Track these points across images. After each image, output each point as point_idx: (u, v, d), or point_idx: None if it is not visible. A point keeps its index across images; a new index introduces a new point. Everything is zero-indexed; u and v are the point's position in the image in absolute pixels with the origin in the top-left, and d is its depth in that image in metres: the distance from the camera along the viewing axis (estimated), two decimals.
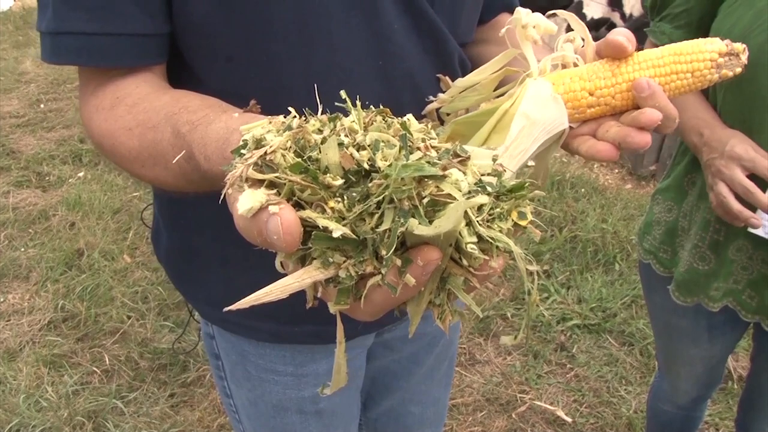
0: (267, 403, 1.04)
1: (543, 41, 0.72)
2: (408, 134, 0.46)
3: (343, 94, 0.52)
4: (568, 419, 2.23)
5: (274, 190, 0.44)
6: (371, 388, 1.21)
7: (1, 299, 2.68)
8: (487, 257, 0.44)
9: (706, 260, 1.29)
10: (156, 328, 2.53)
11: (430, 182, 0.42)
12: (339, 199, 0.43)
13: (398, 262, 0.43)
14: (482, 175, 0.46)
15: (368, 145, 0.45)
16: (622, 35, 0.65)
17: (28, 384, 2.27)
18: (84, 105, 0.76)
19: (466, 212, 0.43)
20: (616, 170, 3.79)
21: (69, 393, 2.24)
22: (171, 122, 0.65)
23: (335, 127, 0.47)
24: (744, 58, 0.64)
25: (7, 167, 3.64)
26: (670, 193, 1.36)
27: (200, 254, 0.94)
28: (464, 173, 0.45)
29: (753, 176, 1.12)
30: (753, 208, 1.13)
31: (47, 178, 3.54)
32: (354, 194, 0.43)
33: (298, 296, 0.91)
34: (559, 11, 0.75)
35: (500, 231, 0.45)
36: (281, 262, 0.47)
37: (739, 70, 0.64)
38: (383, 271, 0.43)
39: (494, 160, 0.48)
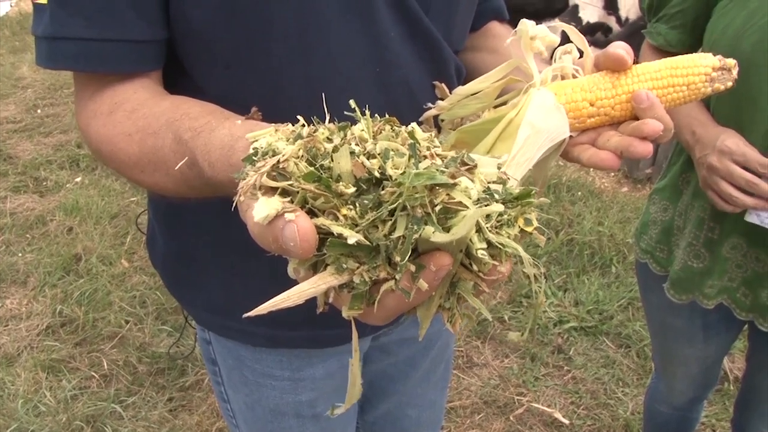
0: (264, 407, 1.04)
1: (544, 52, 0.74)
2: (416, 143, 0.47)
3: (352, 103, 0.53)
4: (566, 421, 2.24)
5: (288, 198, 0.45)
6: (368, 392, 1.22)
7: None
8: (495, 262, 0.45)
9: (700, 258, 1.30)
10: (154, 333, 2.54)
11: (441, 190, 0.44)
12: (351, 207, 0.44)
13: (412, 267, 0.44)
14: (489, 182, 0.48)
15: (378, 154, 0.46)
16: (621, 48, 0.67)
17: (26, 389, 2.27)
18: (81, 110, 0.76)
19: (476, 220, 0.44)
20: (612, 174, 3.81)
21: (67, 398, 2.24)
22: (172, 128, 0.65)
23: (346, 135, 0.48)
24: (735, 72, 0.68)
25: (4, 172, 3.64)
26: (666, 192, 1.38)
27: (196, 260, 0.94)
28: (472, 181, 0.46)
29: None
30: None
31: (44, 184, 3.55)
32: (366, 202, 0.44)
33: None
34: (560, 23, 0.76)
35: (508, 237, 0.46)
36: (294, 269, 0.48)
37: (730, 84, 0.68)
38: (397, 277, 0.44)
39: (499, 168, 0.50)
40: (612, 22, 4.32)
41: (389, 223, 0.43)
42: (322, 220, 0.44)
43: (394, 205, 0.43)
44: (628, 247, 3.02)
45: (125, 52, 0.71)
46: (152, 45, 0.74)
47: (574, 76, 0.71)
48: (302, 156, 0.46)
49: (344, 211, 0.44)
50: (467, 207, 0.43)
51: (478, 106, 0.76)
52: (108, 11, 0.69)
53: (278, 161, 0.45)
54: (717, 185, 1.13)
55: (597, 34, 4.30)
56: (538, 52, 0.71)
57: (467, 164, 0.47)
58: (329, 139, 0.48)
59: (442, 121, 0.81)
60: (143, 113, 0.70)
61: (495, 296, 2.76)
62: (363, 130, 0.49)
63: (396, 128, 0.50)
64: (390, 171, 0.44)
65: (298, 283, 0.48)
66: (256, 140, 0.51)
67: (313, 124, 0.50)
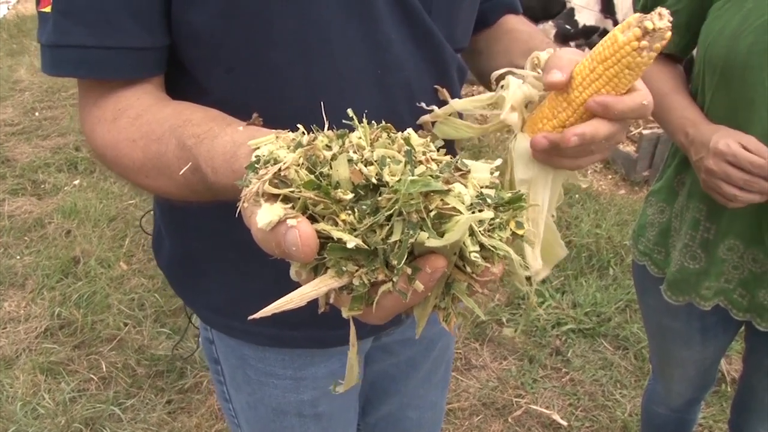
0: (266, 406, 1.05)
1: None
2: (412, 149, 0.49)
3: (350, 112, 0.55)
4: (564, 423, 2.25)
5: (289, 204, 0.47)
6: (370, 393, 1.22)
7: None
8: (488, 264, 0.48)
9: (696, 259, 1.31)
10: (153, 335, 2.54)
11: (436, 196, 0.46)
12: (350, 212, 0.46)
13: (408, 270, 0.46)
14: (482, 187, 0.50)
15: (375, 161, 0.48)
16: (552, 70, 0.69)
17: (24, 391, 2.27)
18: (85, 116, 0.77)
19: (469, 224, 0.46)
20: (610, 176, 3.82)
21: (66, 400, 2.24)
22: (176, 134, 0.67)
23: (344, 143, 0.50)
24: (664, 22, 0.63)
25: (2, 175, 3.64)
26: (662, 194, 1.38)
27: (201, 261, 0.95)
28: (465, 186, 0.48)
29: None
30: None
31: (43, 186, 3.55)
32: (364, 207, 0.46)
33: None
34: (516, 70, 0.78)
35: (500, 240, 0.48)
36: (296, 271, 0.50)
37: (668, 34, 0.63)
38: (394, 279, 0.47)
39: (492, 173, 0.52)
40: (609, 25, 4.33)
41: (386, 227, 0.45)
42: (322, 226, 0.46)
43: (391, 211, 0.45)
44: (625, 250, 3.03)
45: (126, 59, 0.73)
46: (153, 52, 0.75)
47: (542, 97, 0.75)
48: (302, 164, 0.48)
49: (343, 216, 0.46)
50: (460, 212, 0.46)
51: (470, 134, 0.79)
52: (108, 21, 0.71)
53: (280, 169, 0.47)
54: (719, 188, 1.13)
55: (593, 37, 4.32)
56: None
57: (461, 170, 0.49)
58: (328, 147, 0.50)
59: (435, 139, 0.83)
60: (147, 119, 0.71)
61: (493, 299, 2.76)
62: (360, 137, 0.51)
63: (392, 135, 0.52)
64: (387, 177, 0.46)
65: (299, 285, 0.50)
66: (258, 147, 0.53)
67: (313, 132, 0.52)
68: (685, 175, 1.32)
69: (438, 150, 0.52)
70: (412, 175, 0.46)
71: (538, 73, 0.76)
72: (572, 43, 4.21)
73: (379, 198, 0.46)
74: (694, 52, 1.28)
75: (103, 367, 2.39)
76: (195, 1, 0.72)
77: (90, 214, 3.24)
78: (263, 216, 0.46)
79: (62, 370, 2.37)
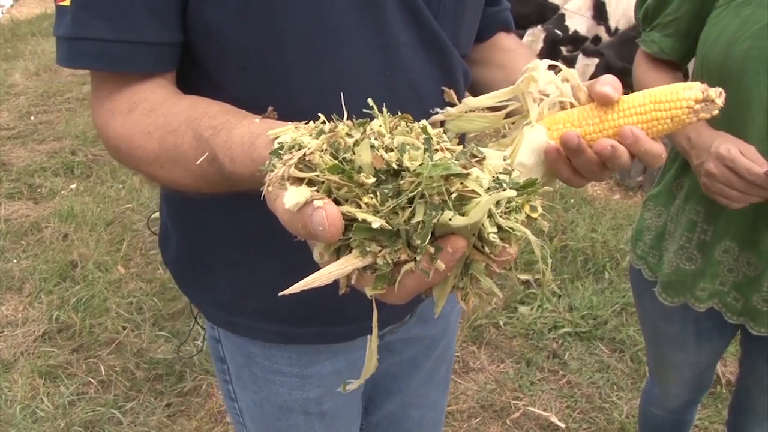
0: (272, 404, 1.06)
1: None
2: (431, 137, 0.51)
3: (370, 101, 0.57)
4: (562, 425, 2.26)
5: (314, 188, 0.49)
6: (372, 392, 1.23)
7: None
8: (505, 245, 0.50)
9: (693, 260, 1.32)
10: (152, 339, 2.54)
11: (456, 179, 0.48)
12: (372, 196, 0.48)
13: (431, 249, 0.48)
14: (497, 173, 0.52)
15: (396, 147, 0.50)
16: (609, 85, 0.71)
17: (23, 395, 2.27)
18: (98, 109, 0.79)
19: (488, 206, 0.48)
20: (604, 182, 3.85)
21: (65, 404, 2.24)
22: (192, 126, 0.68)
23: (365, 131, 0.52)
24: (720, 101, 0.68)
25: None
26: (661, 198, 1.39)
27: (209, 257, 0.96)
28: (482, 171, 0.50)
29: None
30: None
31: (39, 190, 3.54)
32: (386, 191, 0.48)
33: (305, 300, 0.94)
34: (563, 68, 0.78)
35: (516, 222, 0.51)
36: (319, 253, 0.52)
37: (716, 112, 0.69)
38: (417, 258, 0.48)
39: (505, 159, 0.55)
40: (602, 31, 4.36)
41: (408, 210, 0.47)
42: (346, 208, 0.48)
43: (413, 193, 0.47)
44: (621, 253, 3.05)
45: (143, 53, 0.75)
46: (169, 47, 0.77)
47: (572, 105, 0.75)
48: (326, 149, 0.50)
49: (366, 199, 0.48)
50: (479, 194, 0.48)
51: (485, 124, 0.79)
52: (127, 14, 0.72)
53: (304, 154, 0.49)
54: (720, 190, 1.15)
55: (586, 44, 4.34)
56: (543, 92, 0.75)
57: (476, 156, 0.52)
58: (349, 135, 0.52)
59: (446, 131, 0.84)
60: (162, 112, 0.73)
61: (490, 302, 2.77)
62: (381, 125, 0.53)
63: (410, 124, 0.54)
64: (407, 163, 0.48)
65: (308, 275, 0.51)
66: (278, 136, 0.55)
67: (333, 121, 0.54)
68: (683, 179, 1.34)
69: (451, 141, 0.54)
70: (432, 161, 0.48)
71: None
72: (562, 48, 4.23)
73: (401, 182, 0.47)
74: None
75: (102, 370, 2.39)
76: (211, 0, 0.74)
77: (87, 218, 3.23)
78: (291, 197, 0.47)
79: (61, 373, 2.37)
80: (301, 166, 0.49)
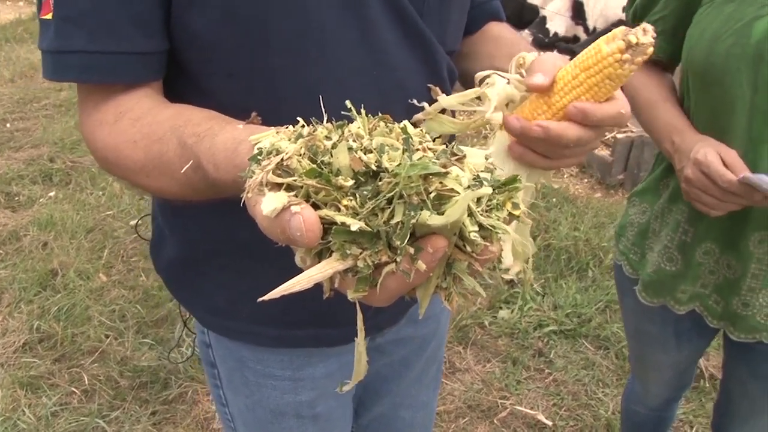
0: (264, 408, 1.05)
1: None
2: (410, 137, 0.51)
3: (348, 103, 0.57)
4: (549, 423, 2.27)
5: (293, 193, 0.48)
6: (363, 394, 1.23)
7: None
8: (487, 243, 0.50)
9: (673, 261, 1.32)
10: (135, 346, 2.51)
11: (435, 179, 0.48)
12: (351, 198, 0.48)
13: (411, 250, 0.48)
14: (478, 171, 0.52)
15: (374, 149, 0.49)
16: (538, 73, 0.72)
17: (4, 407, 2.23)
18: (85, 120, 0.78)
19: (468, 205, 0.48)
20: (586, 180, 3.88)
21: (48, 415, 2.21)
22: (176, 134, 0.68)
23: (343, 133, 0.52)
24: (647, 38, 0.65)
25: None
26: (647, 195, 1.39)
27: (203, 261, 0.96)
28: (462, 170, 0.50)
29: None
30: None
31: (17, 199, 3.49)
32: (365, 193, 0.48)
33: (297, 302, 0.93)
34: (525, 55, 0.80)
35: (497, 220, 0.50)
36: (301, 258, 0.52)
37: (650, 50, 0.66)
38: (398, 259, 0.48)
39: (486, 158, 0.54)
40: (580, 31, 4.39)
41: (387, 211, 0.47)
42: (325, 212, 0.48)
43: (392, 194, 0.47)
44: (603, 251, 3.08)
45: (127, 63, 0.74)
46: (153, 56, 0.77)
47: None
48: (304, 153, 0.50)
49: (345, 202, 0.48)
50: (459, 193, 0.47)
51: (452, 129, 0.81)
52: (109, 25, 0.72)
53: (282, 159, 0.49)
54: (698, 197, 1.15)
55: (568, 44, 4.37)
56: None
57: (457, 155, 0.51)
58: (328, 137, 0.51)
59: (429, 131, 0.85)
60: (147, 121, 0.73)
61: (475, 302, 2.79)
62: (359, 127, 0.53)
63: (389, 125, 0.54)
64: (386, 164, 0.48)
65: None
66: (259, 141, 0.55)
67: (312, 125, 0.54)
68: (670, 179, 1.33)
69: (434, 140, 0.54)
70: (411, 161, 0.48)
71: (522, 74, 0.78)
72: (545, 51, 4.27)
73: (380, 183, 0.47)
74: None
75: (85, 379, 2.36)
76: (194, 7, 0.74)
77: (67, 226, 3.20)
78: (268, 203, 0.47)
79: (43, 384, 2.34)
80: (279, 171, 0.49)
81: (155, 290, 2.79)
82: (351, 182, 0.48)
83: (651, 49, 0.66)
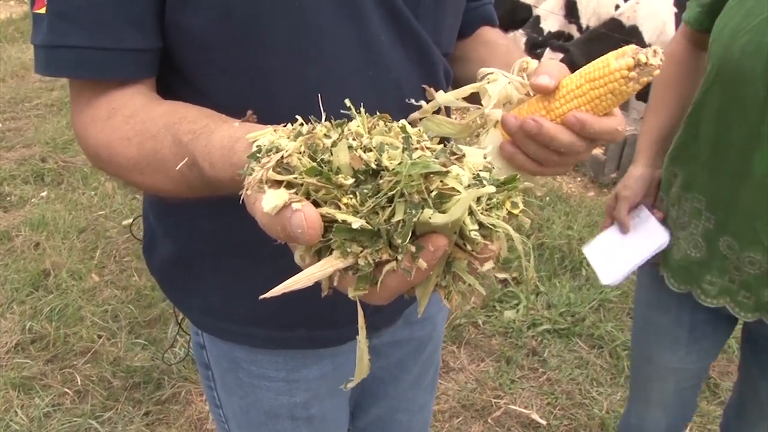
0: (259, 409, 1.05)
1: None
2: (409, 136, 0.51)
3: (347, 102, 0.57)
4: (543, 422, 2.27)
5: (293, 190, 0.48)
6: (359, 397, 1.23)
7: None
8: (487, 242, 0.50)
9: (698, 248, 1.30)
10: (128, 347, 2.50)
11: (435, 177, 0.48)
12: (351, 196, 0.48)
13: (412, 248, 0.48)
14: (477, 171, 0.52)
15: (374, 147, 0.49)
16: (545, 75, 0.72)
17: None
18: (77, 116, 0.78)
19: (468, 204, 0.48)
20: (579, 178, 3.88)
21: (41, 416, 2.19)
22: (171, 131, 0.68)
23: (343, 131, 0.52)
24: (656, 60, 0.66)
25: None
26: (663, 184, 1.39)
27: (196, 263, 0.95)
28: (462, 169, 0.50)
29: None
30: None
31: (8, 199, 3.47)
32: (365, 191, 0.47)
33: (291, 303, 0.93)
34: (526, 58, 0.80)
35: (497, 218, 0.51)
36: (300, 256, 0.52)
37: (656, 72, 0.67)
38: (399, 257, 0.48)
39: (485, 157, 0.54)
40: (573, 30, 4.40)
41: (388, 209, 0.47)
42: (326, 209, 0.47)
43: (393, 192, 0.47)
44: None
45: (121, 60, 0.74)
46: (147, 54, 0.76)
47: (528, 94, 0.77)
48: (304, 151, 0.50)
49: (345, 200, 0.48)
50: (459, 192, 0.48)
51: (449, 130, 0.81)
52: (103, 21, 0.72)
53: (282, 157, 0.49)
54: (617, 213, 1.45)
55: (560, 41, 4.38)
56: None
57: (456, 154, 0.51)
58: (327, 136, 0.51)
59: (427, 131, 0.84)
60: (141, 118, 0.72)
61: (469, 302, 2.78)
62: (359, 126, 0.53)
63: (388, 124, 0.54)
64: (386, 162, 0.48)
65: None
66: (257, 140, 0.55)
67: (311, 123, 0.54)
68: (676, 168, 1.34)
69: (431, 140, 0.54)
70: (411, 160, 0.48)
71: (524, 77, 0.78)
72: (540, 51, 4.27)
73: (381, 181, 0.47)
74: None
75: (78, 380, 2.35)
76: (189, 6, 0.73)
77: (59, 226, 3.18)
78: (269, 200, 0.47)
79: (35, 384, 2.32)
80: (279, 169, 0.49)
81: (148, 290, 2.78)
82: (351, 180, 0.48)
83: (657, 72, 0.67)
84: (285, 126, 0.55)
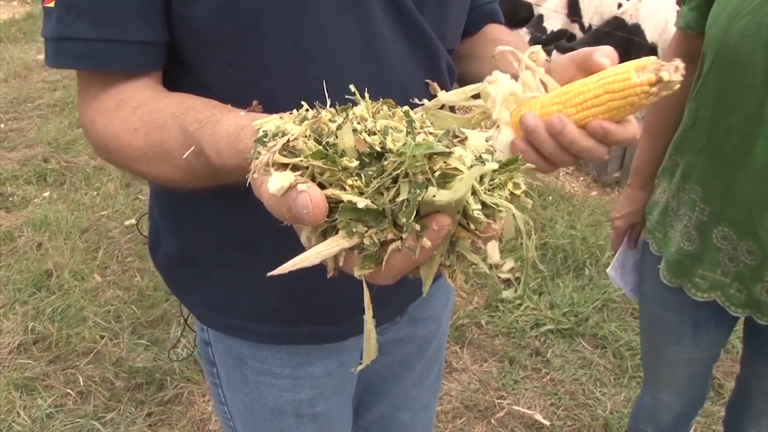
0: (263, 406, 1.05)
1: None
2: (413, 120, 0.53)
3: (352, 87, 0.59)
4: (546, 423, 2.27)
5: (298, 173, 0.50)
6: (362, 395, 1.23)
7: None
8: (490, 221, 0.51)
9: (691, 240, 1.30)
10: (131, 347, 2.50)
11: (439, 158, 0.49)
12: (356, 178, 0.49)
13: (417, 227, 0.49)
14: (480, 153, 0.53)
15: (378, 131, 0.51)
16: (606, 58, 0.72)
17: None
18: (85, 108, 0.79)
19: (471, 183, 0.49)
20: (582, 178, 3.87)
21: (43, 417, 2.19)
22: (178, 121, 0.69)
23: (348, 115, 0.53)
24: (677, 76, 0.66)
25: None
26: (665, 175, 1.39)
27: (200, 258, 0.96)
28: (465, 151, 0.51)
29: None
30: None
31: (11, 199, 3.47)
32: (370, 172, 0.49)
33: (294, 299, 0.93)
34: (534, 49, 0.80)
35: (500, 198, 0.52)
36: (306, 236, 0.53)
37: (677, 87, 0.67)
38: (403, 236, 0.49)
39: (487, 140, 0.55)
40: (575, 29, 4.39)
41: (392, 190, 0.49)
42: (331, 191, 0.49)
43: (397, 173, 0.48)
44: (600, 250, 3.07)
45: (128, 52, 0.75)
46: (154, 46, 0.78)
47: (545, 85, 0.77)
48: (309, 135, 0.51)
49: (350, 182, 0.49)
50: (462, 172, 0.49)
51: (454, 125, 0.80)
52: (111, 14, 0.73)
53: (288, 140, 0.51)
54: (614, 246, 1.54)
55: (561, 41, 4.38)
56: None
57: (459, 137, 0.52)
58: (332, 120, 0.53)
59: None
60: (148, 109, 0.74)
61: (471, 302, 2.78)
62: (363, 110, 0.54)
63: (392, 109, 0.56)
64: (390, 145, 0.50)
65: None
66: (263, 126, 0.56)
67: (316, 109, 0.56)
68: (677, 157, 1.34)
69: (433, 126, 0.55)
70: (415, 142, 0.49)
71: (533, 68, 0.78)
72: (545, 49, 4.28)
73: (385, 162, 0.49)
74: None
75: (81, 381, 2.34)
76: None
77: (61, 227, 3.17)
78: (275, 182, 0.48)
79: (38, 385, 2.32)
80: (285, 152, 0.50)
81: (150, 290, 2.78)
82: (356, 163, 0.49)
83: (677, 86, 0.67)
84: (290, 113, 0.57)
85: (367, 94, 0.57)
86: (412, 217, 0.48)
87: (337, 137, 0.50)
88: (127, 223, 3.25)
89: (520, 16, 4.56)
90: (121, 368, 2.40)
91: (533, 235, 0.57)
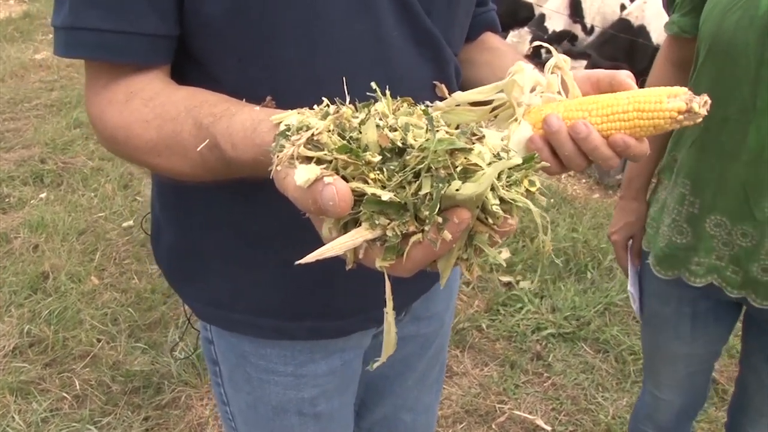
0: (266, 405, 1.04)
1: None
2: (432, 118, 0.54)
3: (373, 84, 0.61)
4: (548, 428, 2.24)
5: (323, 166, 0.52)
6: (365, 395, 1.22)
7: None
8: (507, 216, 0.53)
9: (683, 234, 1.32)
10: (128, 351, 2.47)
11: (460, 154, 0.51)
12: (378, 172, 0.51)
13: (439, 219, 0.51)
14: (497, 151, 0.55)
15: (399, 127, 0.53)
16: (630, 78, 0.75)
17: None
18: (93, 98, 0.79)
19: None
20: (584, 180, 3.86)
21: (38, 421, 2.16)
22: (192, 114, 0.70)
23: (370, 112, 0.55)
24: (704, 110, 0.70)
25: None
26: (666, 171, 1.40)
27: (203, 252, 0.96)
28: (483, 147, 0.54)
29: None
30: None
31: (7, 200, 3.44)
32: (392, 167, 0.51)
33: (297, 294, 0.93)
34: (557, 55, 0.80)
35: (517, 194, 0.54)
36: (328, 229, 0.54)
37: (699, 120, 0.71)
38: (426, 228, 0.51)
39: (503, 140, 0.58)
40: (577, 29, 4.38)
41: (415, 184, 0.50)
42: (354, 184, 0.51)
43: (419, 168, 0.50)
44: (602, 253, 3.05)
45: (140, 44, 0.76)
46: (165, 40, 0.78)
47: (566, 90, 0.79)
48: (333, 130, 0.53)
49: (372, 175, 0.51)
50: (482, 168, 0.51)
51: (472, 117, 0.81)
52: (124, 5, 0.74)
53: (313, 134, 0.53)
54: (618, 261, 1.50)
55: (563, 42, 4.36)
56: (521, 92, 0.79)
57: (476, 135, 0.55)
58: (354, 116, 0.55)
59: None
60: (161, 101, 0.74)
61: (472, 305, 2.75)
62: (384, 107, 0.57)
63: (411, 107, 0.58)
64: (411, 141, 0.52)
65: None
66: (281, 121, 0.58)
67: (337, 105, 0.58)
68: (676, 153, 1.35)
69: (449, 125, 0.57)
70: (436, 138, 0.51)
71: (558, 75, 0.80)
72: (544, 49, 4.25)
73: (408, 157, 0.51)
74: None
75: (77, 384, 2.32)
76: None
77: (58, 228, 3.15)
78: (301, 174, 0.50)
79: (33, 389, 2.29)
80: (309, 146, 0.52)
81: (148, 293, 2.75)
82: (378, 158, 0.51)
83: (700, 120, 0.71)
84: (307, 109, 0.58)
85: (388, 92, 0.59)
86: (436, 210, 0.49)
87: (360, 132, 0.52)
88: (124, 224, 3.22)
89: (521, 16, 4.56)
90: (118, 372, 2.37)
91: (549, 230, 0.59)
